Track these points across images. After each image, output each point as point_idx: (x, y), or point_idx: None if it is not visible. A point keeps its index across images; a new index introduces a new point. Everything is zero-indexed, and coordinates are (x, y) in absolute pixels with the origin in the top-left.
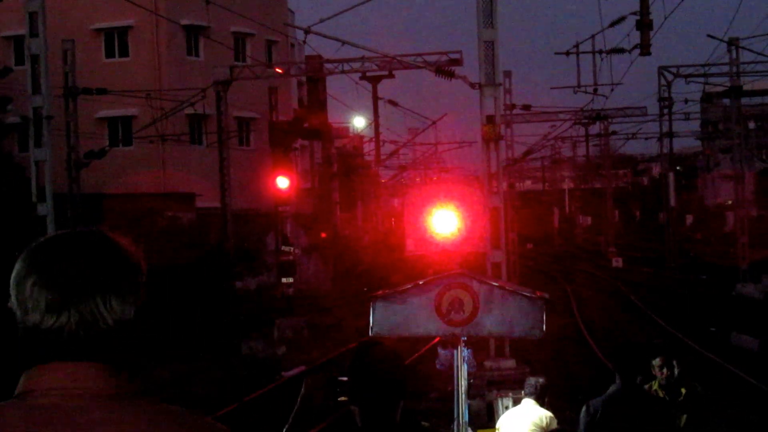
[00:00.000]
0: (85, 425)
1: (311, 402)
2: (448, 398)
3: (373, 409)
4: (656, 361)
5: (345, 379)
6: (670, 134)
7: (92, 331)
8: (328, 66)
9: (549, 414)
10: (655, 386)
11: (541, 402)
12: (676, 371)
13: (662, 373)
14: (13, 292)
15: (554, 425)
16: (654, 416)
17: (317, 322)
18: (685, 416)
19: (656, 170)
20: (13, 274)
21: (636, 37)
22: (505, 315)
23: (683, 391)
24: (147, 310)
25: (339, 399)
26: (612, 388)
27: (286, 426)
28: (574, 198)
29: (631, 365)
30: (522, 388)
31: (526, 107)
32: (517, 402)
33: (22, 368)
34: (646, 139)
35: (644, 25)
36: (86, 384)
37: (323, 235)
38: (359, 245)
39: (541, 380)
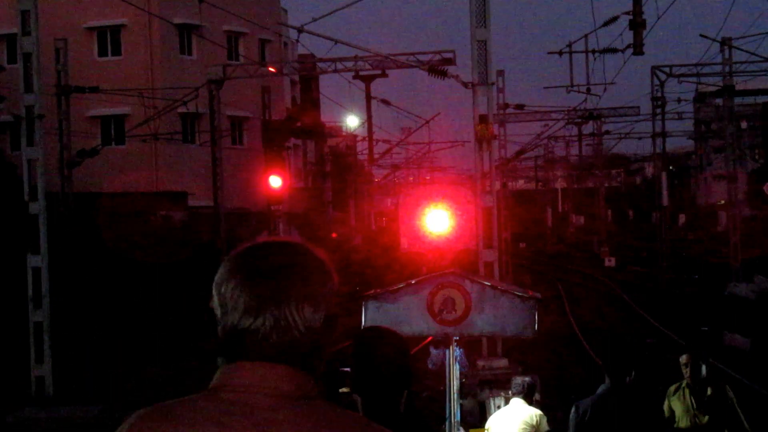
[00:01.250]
0: (271, 423)
1: None
2: (440, 398)
3: (376, 399)
4: (682, 359)
5: (347, 370)
6: (663, 134)
7: (285, 335)
8: (321, 65)
9: (539, 412)
10: (683, 384)
11: (530, 401)
12: (703, 371)
13: (686, 371)
14: (215, 292)
15: (544, 423)
16: (643, 416)
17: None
18: (707, 417)
19: (649, 170)
20: (217, 276)
21: (629, 37)
22: (497, 314)
23: (709, 391)
24: (334, 319)
25: (341, 390)
26: (601, 388)
27: None
28: (567, 197)
29: (620, 365)
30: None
31: (519, 106)
32: (509, 402)
33: (224, 362)
34: (639, 138)
35: (637, 24)
36: (275, 384)
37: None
38: (352, 244)
39: (527, 379)
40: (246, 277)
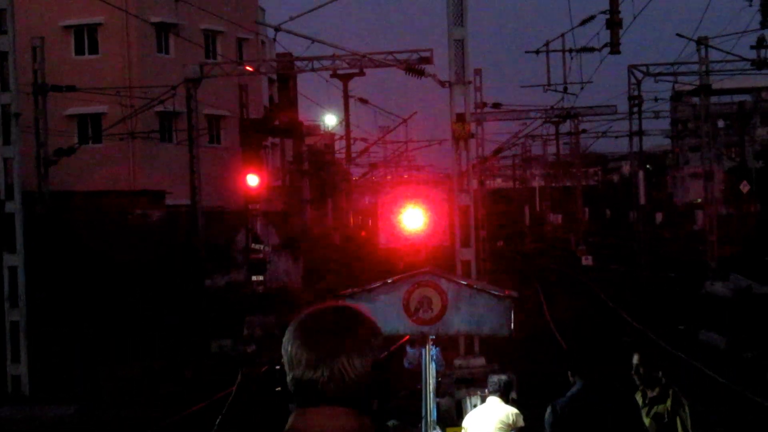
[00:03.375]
0: None
1: (247, 393)
2: (416, 396)
3: None
4: (634, 359)
5: (279, 368)
6: (640, 132)
7: (340, 383)
8: (298, 64)
9: (515, 411)
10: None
11: (506, 399)
12: (658, 373)
13: (638, 371)
14: (284, 352)
15: (520, 422)
16: (619, 413)
17: (288, 320)
18: (649, 420)
19: (626, 168)
20: (284, 338)
21: (606, 36)
22: (474, 313)
23: (656, 392)
24: (382, 365)
25: (276, 389)
26: (574, 389)
27: (219, 417)
28: (544, 196)
29: (588, 364)
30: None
31: (497, 105)
32: (486, 400)
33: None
34: (617, 137)
35: (614, 23)
36: (335, 423)
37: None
38: (330, 242)
39: (504, 377)
40: (306, 337)
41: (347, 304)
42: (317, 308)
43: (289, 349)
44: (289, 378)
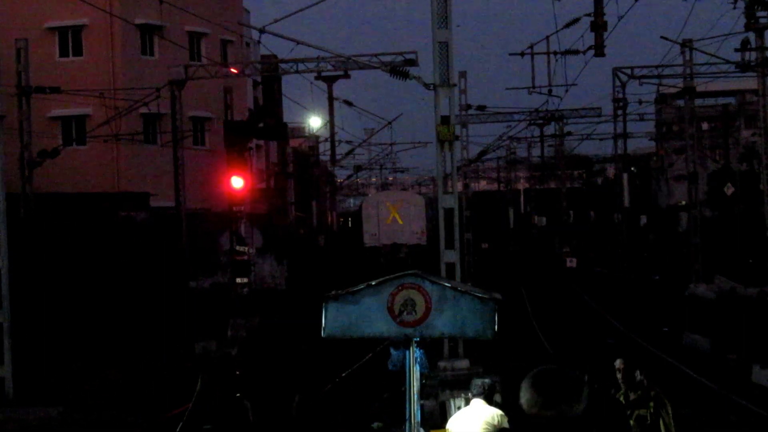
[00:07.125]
0: None
1: (208, 397)
2: (400, 399)
3: (266, 404)
4: (616, 364)
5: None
6: (625, 135)
7: (561, 419)
8: (283, 66)
9: (500, 412)
10: (622, 391)
11: (489, 402)
12: (638, 375)
13: (620, 376)
14: (522, 395)
15: (505, 423)
16: (606, 415)
17: (272, 322)
18: (632, 421)
19: (611, 171)
20: (523, 387)
21: (590, 39)
22: (457, 316)
23: (636, 395)
24: (587, 411)
25: (237, 395)
26: None
27: (181, 423)
28: (529, 198)
29: (575, 367)
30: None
31: (481, 108)
32: (469, 402)
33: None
34: (601, 140)
35: (598, 26)
36: None
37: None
38: (314, 243)
39: (487, 380)
40: (539, 389)
41: (564, 368)
42: (545, 369)
43: (527, 396)
44: (527, 415)
